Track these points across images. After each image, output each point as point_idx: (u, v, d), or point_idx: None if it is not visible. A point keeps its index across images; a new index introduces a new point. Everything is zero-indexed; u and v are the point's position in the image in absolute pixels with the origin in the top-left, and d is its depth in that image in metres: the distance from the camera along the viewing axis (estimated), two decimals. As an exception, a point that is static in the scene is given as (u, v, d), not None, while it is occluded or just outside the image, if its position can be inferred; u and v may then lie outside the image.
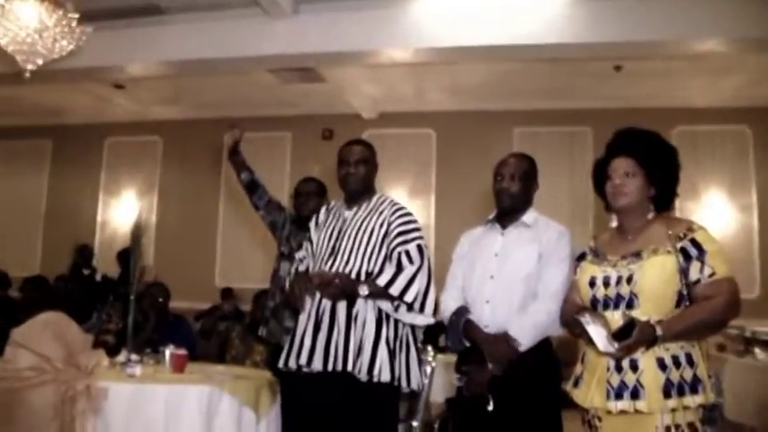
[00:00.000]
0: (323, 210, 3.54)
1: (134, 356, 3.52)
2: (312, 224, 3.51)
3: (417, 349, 3.33)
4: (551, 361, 3.10)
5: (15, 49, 4.53)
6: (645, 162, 2.65)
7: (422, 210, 8.48)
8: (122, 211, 10.16)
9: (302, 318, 3.25)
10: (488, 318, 3.08)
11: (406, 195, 8.88)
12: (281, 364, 3.30)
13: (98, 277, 8.30)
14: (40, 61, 4.64)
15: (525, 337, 2.96)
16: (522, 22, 5.96)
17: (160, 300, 5.34)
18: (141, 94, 9.12)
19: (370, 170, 3.42)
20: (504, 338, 2.98)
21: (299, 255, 3.51)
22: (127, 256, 7.83)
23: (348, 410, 3.12)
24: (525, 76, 7.63)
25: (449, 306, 3.21)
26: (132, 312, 4.00)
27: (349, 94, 8.58)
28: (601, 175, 2.78)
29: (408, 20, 6.22)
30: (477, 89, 8.20)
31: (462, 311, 3.15)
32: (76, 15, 4.66)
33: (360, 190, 3.37)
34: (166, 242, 9.50)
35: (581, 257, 2.82)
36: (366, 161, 3.38)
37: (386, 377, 3.07)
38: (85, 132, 10.33)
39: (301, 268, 3.40)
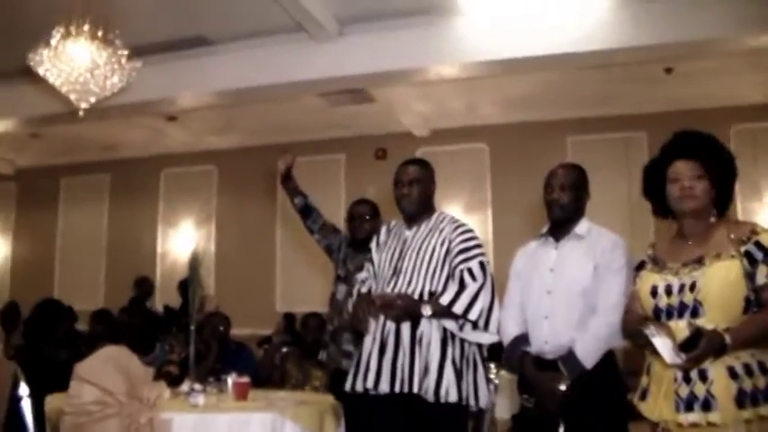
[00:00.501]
0: (383, 230, 3.52)
1: (197, 386, 3.54)
2: (373, 245, 3.49)
3: (484, 367, 3.29)
4: (616, 374, 3.02)
5: (69, 88, 4.60)
6: (709, 165, 2.56)
7: (479, 225, 8.34)
8: (181, 241, 10.26)
9: (367, 340, 3.24)
10: (548, 334, 3.02)
11: (462, 212, 8.79)
12: (347, 387, 3.28)
13: (159, 308, 8.40)
14: (92, 99, 4.72)
15: (589, 356, 2.90)
16: (567, 30, 5.84)
17: (221, 328, 5.36)
18: (194, 124, 9.22)
19: (427, 189, 3.39)
20: (555, 377, 2.92)
21: (360, 276, 3.49)
22: (187, 286, 7.98)
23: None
24: (575, 84, 7.50)
25: (507, 329, 3.17)
26: (193, 342, 4.01)
27: (400, 112, 8.54)
28: (654, 179, 2.70)
29: (453, 35, 6.16)
30: (527, 100, 8.09)
31: (518, 342, 3.11)
32: (126, 52, 4.71)
33: (416, 210, 3.35)
34: (226, 270, 9.57)
35: (640, 266, 2.73)
36: (421, 180, 3.35)
37: (453, 397, 3.04)
38: (142, 165, 10.52)
39: (363, 290, 3.39)
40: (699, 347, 2.28)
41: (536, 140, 8.38)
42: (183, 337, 5.62)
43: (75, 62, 4.49)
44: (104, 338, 5.87)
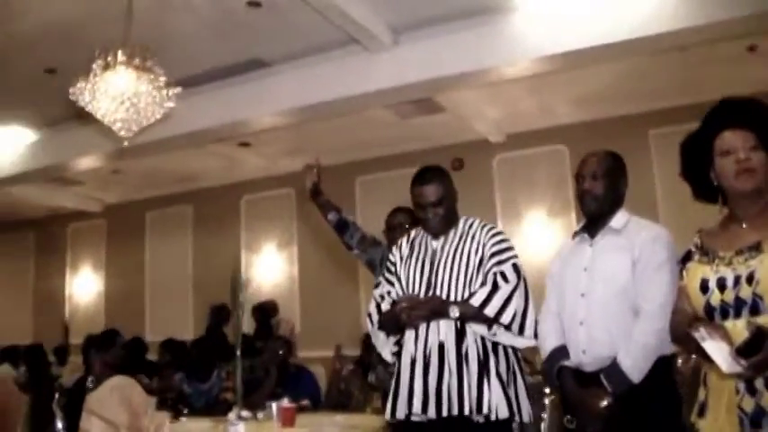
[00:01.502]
0: (404, 242, 3.28)
1: (245, 413, 3.49)
2: (396, 258, 3.26)
3: (524, 379, 3.04)
4: (669, 387, 2.67)
5: (111, 119, 4.57)
6: (763, 134, 2.20)
7: (563, 230, 7.99)
8: (264, 266, 10.28)
9: (406, 360, 3.00)
10: (584, 342, 2.71)
11: (545, 216, 8.48)
12: (387, 415, 3.07)
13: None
14: (135, 128, 4.66)
15: (636, 368, 2.57)
16: (634, 12, 5.43)
17: (280, 353, 5.27)
18: (267, 149, 9.21)
19: (450, 204, 3.15)
20: (596, 393, 2.61)
21: (378, 292, 3.25)
22: (261, 311, 7.96)
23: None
24: (652, 73, 7.04)
25: (545, 342, 2.89)
26: (239, 368, 3.89)
27: (472, 120, 8.28)
28: (695, 156, 2.34)
29: (510, 33, 5.89)
30: (602, 95, 7.67)
31: (556, 355, 2.81)
32: (165, 79, 4.65)
33: (445, 227, 3.12)
34: (310, 292, 9.53)
35: (686, 258, 2.34)
36: (443, 199, 3.09)
37: (503, 413, 2.83)
38: (222, 193, 10.63)
39: (385, 306, 3.15)
40: (762, 351, 1.88)
41: (616, 137, 7.88)
42: (246, 363, 5.59)
43: (115, 92, 4.43)
44: (171, 367, 5.87)
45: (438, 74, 6.25)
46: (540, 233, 8.39)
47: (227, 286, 9.91)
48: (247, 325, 8.02)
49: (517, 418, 2.89)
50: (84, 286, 11.72)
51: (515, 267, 2.97)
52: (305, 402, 4.39)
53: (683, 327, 2.20)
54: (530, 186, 8.58)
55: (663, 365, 2.63)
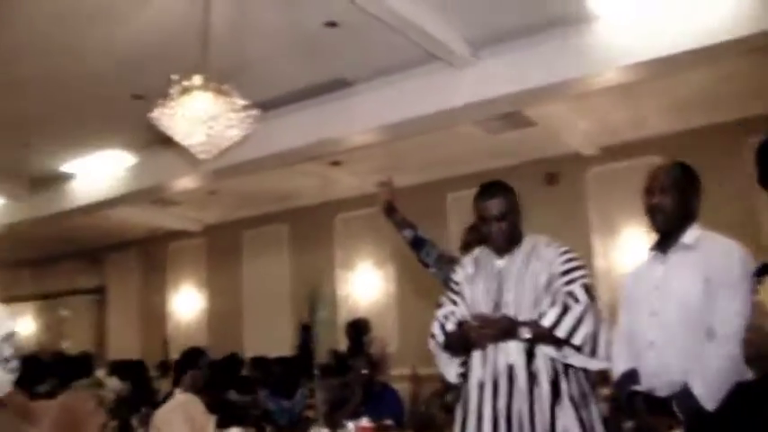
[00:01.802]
0: (468, 261, 3.21)
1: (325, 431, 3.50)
2: (460, 277, 3.19)
3: (596, 402, 2.91)
4: (749, 414, 2.46)
5: (189, 142, 4.70)
6: None
7: (661, 244, 7.72)
8: (360, 283, 10.34)
9: (473, 383, 2.94)
10: (655, 365, 2.58)
11: (641, 230, 8.19)
12: None
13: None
14: (215, 151, 4.77)
15: (709, 394, 2.41)
16: (722, 14, 5.18)
17: (364, 372, 5.25)
18: (357, 167, 9.28)
19: (514, 220, 3.06)
20: (667, 422, 2.50)
21: (442, 312, 3.19)
22: (354, 328, 7.99)
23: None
24: (752, 76, 6.70)
25: (616, 364, 2.78)
26: (319, 387, 3.94)
27: (563, 133, 8.12)
28: None
29: (594, 42, 5.72)
30: (695, 102, 7.35)
31: (627, 380, 2.71)
32: (243, 102, 4.75)
33: (509, 244, 3.04)
34: (407, 309, 9.50)
35: (762, 271, 2.23)
36: (507, 214, 3.02)
37: None
38: (317, 212, 10.79)
39: (450, 326, 3.09)
40: None
41: (713, 146, 7.61)
42: (330, 383, 5.62)
43: (192, 116, 4.56)
44: (257, 384, 5.97)
45: (522, 87, 6.13)
46: (636, 248, 8.11)
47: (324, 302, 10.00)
48: (342, 343, 8.11)
49: None
50: (185, 303, 12.10)
51: (586, 288, 2.87)
52: (388, 422, 4.36)
53: (755, 348, 2.07)
54: (625, 200, 8.30)
55: (740, 393, 2.45)
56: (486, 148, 8.57)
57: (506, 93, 6.23)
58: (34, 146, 8.16)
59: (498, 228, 3.01)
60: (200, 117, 4.55)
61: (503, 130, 7.93)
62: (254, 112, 4.78)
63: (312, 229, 10.82)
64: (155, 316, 12.31)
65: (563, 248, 3.00)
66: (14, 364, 2.40)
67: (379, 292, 10.22)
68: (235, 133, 4.76)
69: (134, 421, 5.40)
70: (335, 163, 9.09)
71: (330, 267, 10.56)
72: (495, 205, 3.02)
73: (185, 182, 8.51)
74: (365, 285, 10.35)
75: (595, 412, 2.85)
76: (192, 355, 4.91)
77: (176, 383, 5.10)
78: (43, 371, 6.87)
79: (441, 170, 9.16)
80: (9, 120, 7.28)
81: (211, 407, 4.37)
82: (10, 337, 2.42)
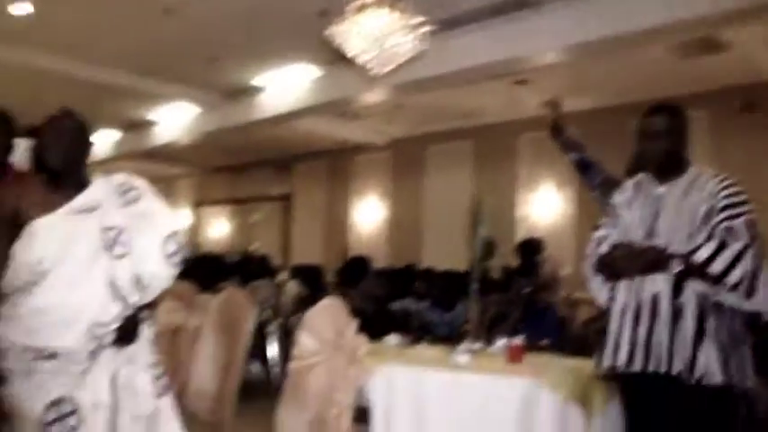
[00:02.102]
0: (628, 185, 3.11)
1: (476, 345, 3.64)
2: (618, 201, 3.10)
3: (749, 341, 2.80)
4: None
5: (365, 58, 4.82)
6: None
7: None
8: (540, 205, 10.27)
9: (616, 309, 2.91)
10: None
11: None
12: (594, 363, 3.01)
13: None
14: (388, 68, 4.88)
15: None
16: None
17: (525, 291, 5.30)
18: (543, 86, 9.06)
19: (678, 141, 2.91)
20: None
21: (597, 234, 3.13)
22: (526, 247, 7.96)
23: (677, 418, 2.73)
24: None
25: None
26: (474, 302, 4.03)
27: (760, 58, 7.54)
28: None
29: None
30: None
31: None
32: (418, 19, 4.79)
33: (667, 166, 2.92)
34: (586, 233, 9.31)
35: None
36: (670, 132, 2.88)
37: (718, 380, 2.63)
38: (501, 130, 10.70)
39: (604, 248, 3.04)
40: None
41: None
42: (493, 299, 5.71)
43: (368, 32, 4.66)
44: (423, 295, 6.16)
45: (719, 8, 5.76)
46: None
47: (501, 222, 10.06)
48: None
49: (740, 384, 2.69)
50: (367, 214, 12.51)
51: (749, 224, 2.71)
52: (544, 342, 4.39)
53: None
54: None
55: None
56: (676, 73, 8.13)
57: (698, 15, 5.91)
58: (224, 60, 8.69)
59: (657, 146, 2.89)
60: (373, 34, 4.64)
61: (694, 54, 7.48)
62: (429, 28, 4.80)
63: (496, 148, 10.78)
64: (337, 225, 12.82)
65: (727, 181, 2.81)
66: (177, 258, 2.65)
67: (558, 214, 10.10)
68: (408, 50, 4.82)
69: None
70: (521, 82, 8.94)
71: (512, 187, 10.52)
72: (656, 122, 2.90)
73: (369, 96, 8.71)
74: (545, 207, 10.26)
75: (747, 357, 2.74)
76: (357, 265, 5.15)
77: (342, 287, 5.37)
78: (227, 270, 7.44)
79: (627, 95, 8.78)
80: (203, 36, 7.82)
81: (375, 314, 4.60)
82: (174, 234, 2.66)
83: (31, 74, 9.07)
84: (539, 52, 7.18)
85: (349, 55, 4.84)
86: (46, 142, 2.65)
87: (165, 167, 15.68)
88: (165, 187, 17.33)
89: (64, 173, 2.65)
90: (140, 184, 2.76)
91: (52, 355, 2.46)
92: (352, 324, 3.26)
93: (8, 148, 3.11)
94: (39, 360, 2.47)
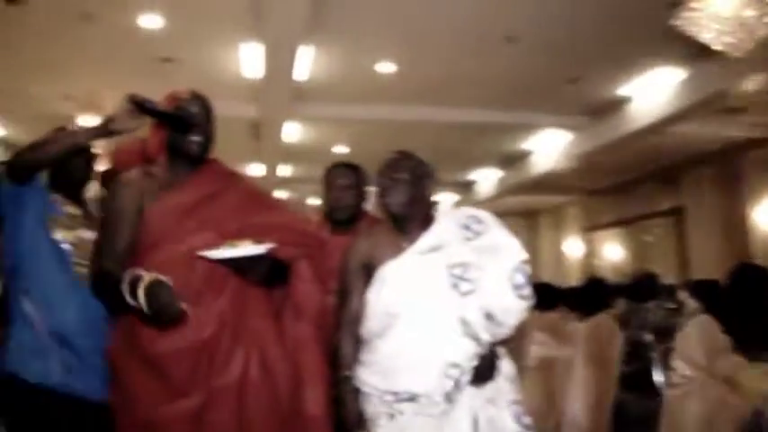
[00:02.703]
0: None
1: None
2: None
3: None
4: None
5: (718, 44, 4.41)
6: None
7: None
8: None
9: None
10: None
11: None
12: None
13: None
14: (749, 44, 4.38)
15: None
16: None
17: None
18: None
19: None
20: None
21: None
22: None
23: None
24: None
25: None
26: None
27: None
28: None
29: None
30: None
31: None
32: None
33: None
34: None
35: None
36: None
37: None
38: None
39: None
40: None
41: None
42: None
43: (715, 16, 4.25)
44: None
45: None
46: None
47: None
48: None
49: None
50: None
51: None
52: None
53: None
54: None
55: None
56: None
57: None
58: (584, 77, 8.46)
59: None
60: (724, 13, 4.21)
61: None
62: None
63: None
64: (736, 231, 11.55)
65: None
66: (526, 291, 2.54)
67: None
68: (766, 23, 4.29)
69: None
70: None
71: None
72: None
73: (744, 85, 7.87)
74: None
75: None
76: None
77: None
78: (612, 293, 7.02)
79: None
80: (555, 58, 7.72)
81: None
82: (521, 265, 2.56)
83: (398, 127, 9.70)
84: None
85: (705, 41, 4.43)
86: (384, 185, 2.70)
87: (550, 197, 15.68)
88: (554, 217, 17.36)
89: (409, 215, 2.69)
90: (485, 216, 2.71)
91: (411, 398, 2.50)
92: (727, 343, 2.84)
93: (362, 199, 3.30)
94: (399, 403, 2.51)
